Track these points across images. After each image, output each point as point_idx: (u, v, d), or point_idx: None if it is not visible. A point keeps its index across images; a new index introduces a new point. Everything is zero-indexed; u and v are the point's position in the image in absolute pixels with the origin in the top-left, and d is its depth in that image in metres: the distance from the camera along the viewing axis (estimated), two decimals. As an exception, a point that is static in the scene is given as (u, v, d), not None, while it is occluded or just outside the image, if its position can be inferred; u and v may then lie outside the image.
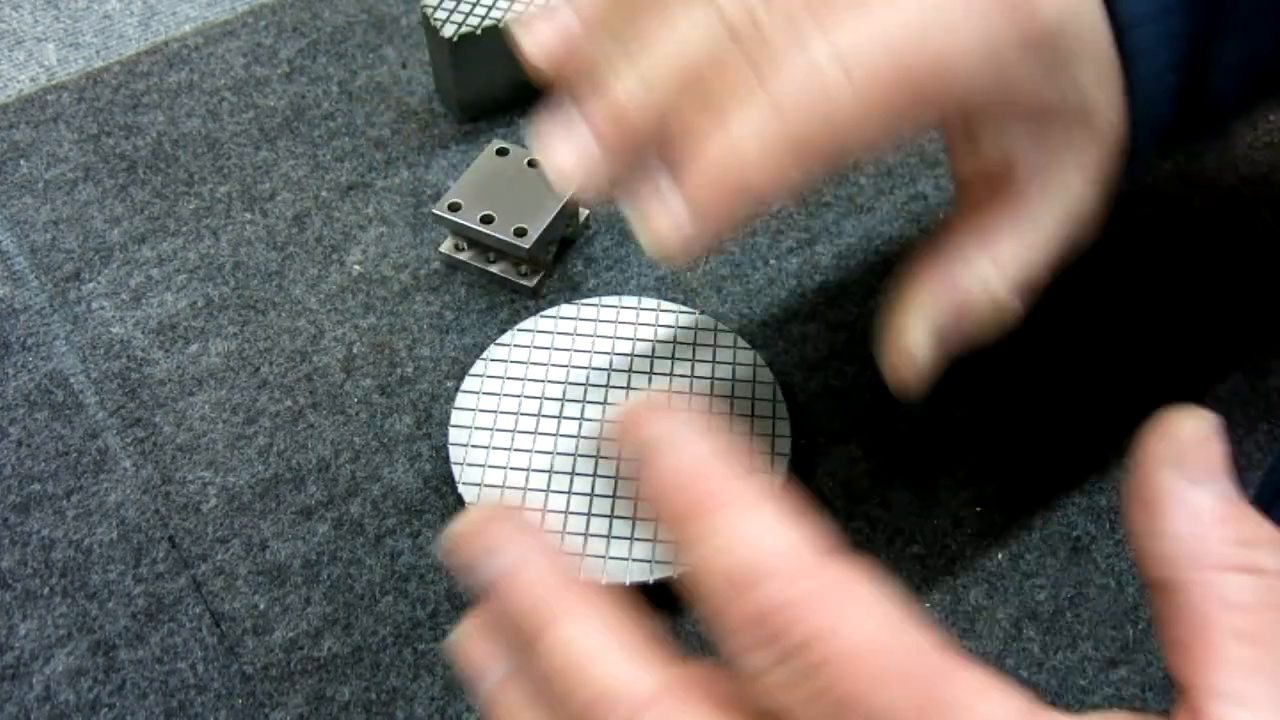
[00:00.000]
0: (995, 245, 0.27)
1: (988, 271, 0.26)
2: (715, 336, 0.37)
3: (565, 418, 0.35)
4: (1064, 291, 0.40)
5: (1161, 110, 0.27)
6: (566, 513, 0.32)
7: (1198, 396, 0.37)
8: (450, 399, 0.37)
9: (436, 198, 0.43)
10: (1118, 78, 0.25)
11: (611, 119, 0.24)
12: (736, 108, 0.22)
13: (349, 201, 0.43)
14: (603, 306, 0.38)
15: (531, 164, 0.40)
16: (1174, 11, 0.26)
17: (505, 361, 0.36)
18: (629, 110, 0.23)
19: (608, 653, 0.18)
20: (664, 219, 0.23)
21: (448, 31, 0.42)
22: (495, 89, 0.45)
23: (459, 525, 0.20)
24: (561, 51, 0.25)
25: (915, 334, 0.27)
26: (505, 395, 0.35)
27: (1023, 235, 0.27)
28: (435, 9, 0.42)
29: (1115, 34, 0.25)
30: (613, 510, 0.33)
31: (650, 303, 0.38)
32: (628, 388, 0.35)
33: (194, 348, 0.38)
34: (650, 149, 0.24)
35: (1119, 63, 0.25)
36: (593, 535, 0.32)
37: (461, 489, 0.33)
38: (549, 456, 0.34)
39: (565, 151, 0.24)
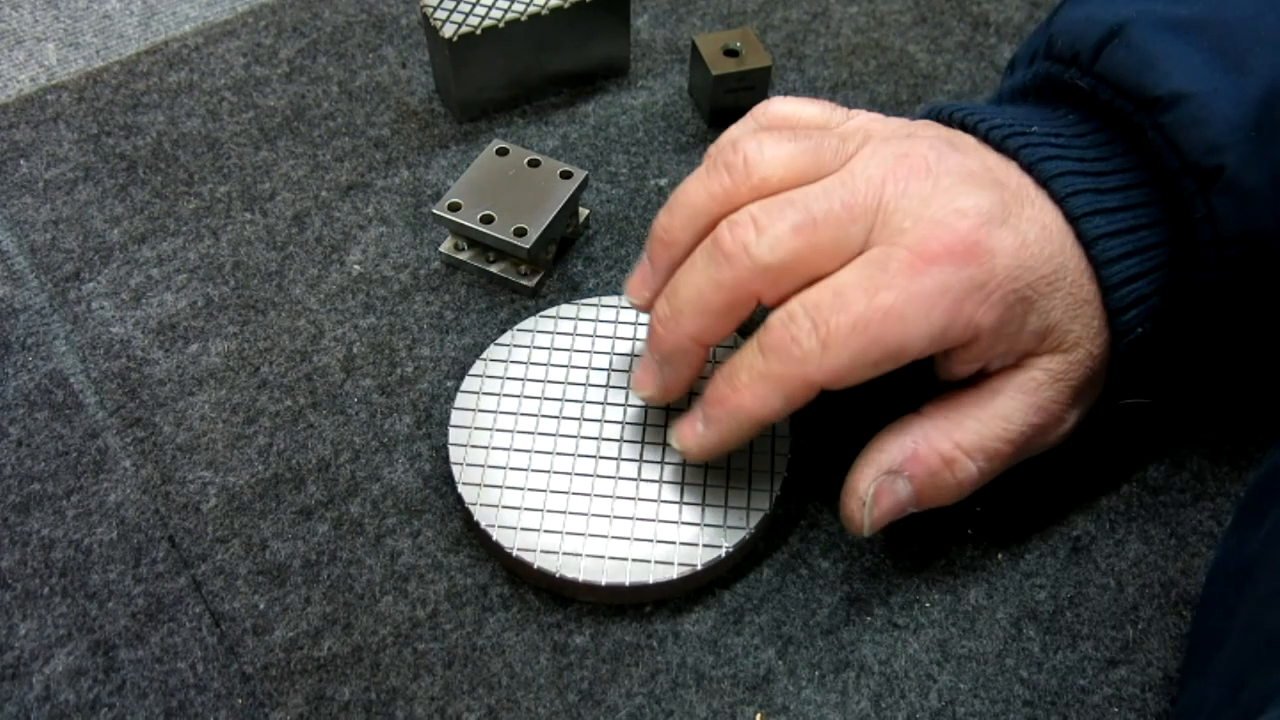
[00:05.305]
0: (960, 426, 0.30)
1: (944, 447, 0.30)
2: (715, 336, 0.37)
3: (565, 418, 0.35)
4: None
5: (1139, 327, 0.30)
6: (566, 513, 0.32)
7: (1196, 396, 0.37)
8: (450, 399, 0.37)
9: (436, 198, 0.43)
10: (1092, 304, 0.30)
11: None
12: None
13: (349, 201, 0.43)
14: (603, 306, 0.38)
15: (532, 164, 0.40)
16: (1148, 246, 0.30)
17: (505, 361, 0.36)
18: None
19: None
20: (687, 428, 0.31)
21: (448, 31, 0.42)
22: (495, 89, 0.45)
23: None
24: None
25: (865, 484, 0.30)
26: (505, 395, 0.35)
27: (986, 422, 0.30)
28: (435, 9, 0.42)
29: (1092, 267, 0.29)
30: (612, 510, 0.33)
31: (650, 303, 0.38)
32: (628, 388, 0.35)
33: (194, 348, 0.38)
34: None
35: (1095, 290, 0.29)
36: (593, 535, 0.32)
37: (461, 489, 0.33)
38: (549, 456, 0.34)
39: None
